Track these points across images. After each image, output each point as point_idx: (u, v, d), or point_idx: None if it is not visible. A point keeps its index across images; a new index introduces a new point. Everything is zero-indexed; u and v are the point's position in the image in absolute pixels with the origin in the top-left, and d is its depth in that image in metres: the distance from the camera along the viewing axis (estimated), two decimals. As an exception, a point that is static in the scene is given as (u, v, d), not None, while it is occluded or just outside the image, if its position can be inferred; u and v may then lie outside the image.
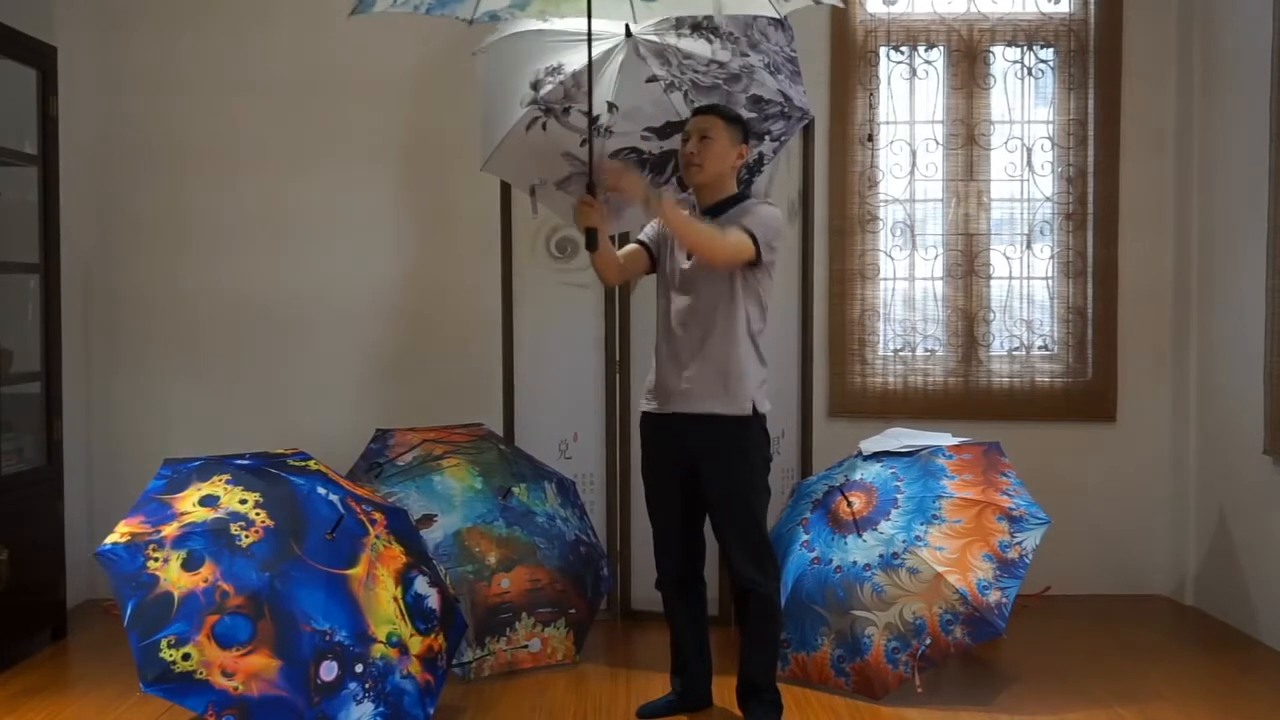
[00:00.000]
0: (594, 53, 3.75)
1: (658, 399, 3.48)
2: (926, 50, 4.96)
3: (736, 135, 3.43)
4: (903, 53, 4.96)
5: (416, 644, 3.34)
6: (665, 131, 3.72)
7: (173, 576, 3.05)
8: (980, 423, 4.77)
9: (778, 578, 3.50)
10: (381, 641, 3.24)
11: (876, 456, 4.11)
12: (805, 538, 3.96)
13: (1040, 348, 5.02)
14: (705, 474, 3.40)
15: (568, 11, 3.49)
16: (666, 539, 3.54)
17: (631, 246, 3.58)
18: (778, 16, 3.36)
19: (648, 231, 3.59)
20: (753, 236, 3.29)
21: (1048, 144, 4.98)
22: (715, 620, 4.06)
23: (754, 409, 3.36)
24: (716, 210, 3.42)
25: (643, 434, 3.56)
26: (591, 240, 3.32)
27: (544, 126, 3.73)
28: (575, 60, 3.68)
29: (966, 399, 4.95)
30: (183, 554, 3.09)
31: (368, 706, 3.17)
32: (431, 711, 3.32)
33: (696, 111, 3.48)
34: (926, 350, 5.01)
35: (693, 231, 3.27)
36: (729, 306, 3.35)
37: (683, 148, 3.45)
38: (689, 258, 3.41)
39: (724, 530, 3.43)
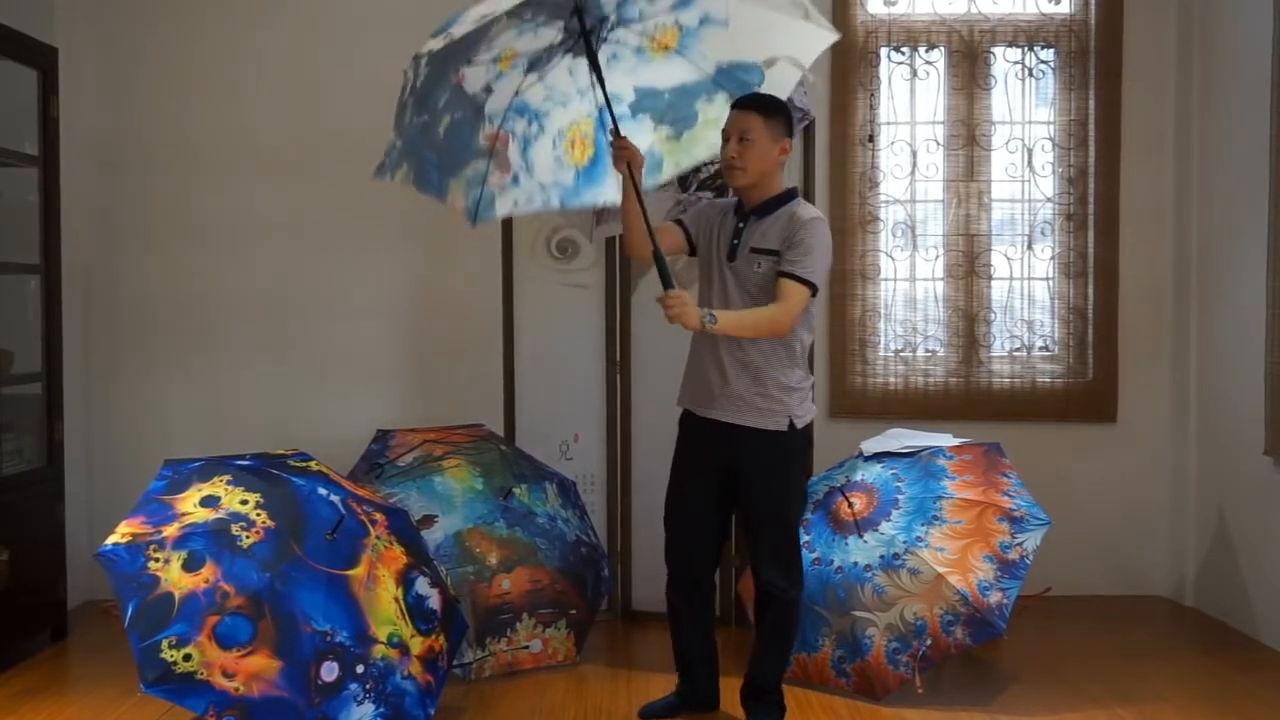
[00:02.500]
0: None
1: (697, 400, 3.39)
2: (927, 51, 4.96)
3: (778, 129, 3.27)
4: (903, 53, 4.96)
5: (417, 645, 3.34)
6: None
7: (173, 577, 3.05)
8: (981, 423, 4.77)
9: (802, 585, 3.44)
10: (382, 642, 3.24)
11: (877, 457, 4.11)
12: (806, 538, 3.95)
13: (1041, 348, 5.02)
14: (743, 480, 3.35)
15: (683, 161, 3.49)
16: (687, 540, 3.45)
17: (669, 225, 3.46)
18: (805, 68, 3.37)
19: (690, 214, 3.48)
20: (807, 283, 3.19)
21: (1048, 145, 4.99)
22: (717, 620, 4.05)
23: (791, 424, 3.29)
24: (763, 210, 3.30)
25: (680, 431, 3.48)
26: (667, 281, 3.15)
27: None
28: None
29: (967, 400, 4.95)
30: (183, 554, 3.09)
31: (368, 707, 3.17)
32: (432, 712, 3.32)
33: (735, 105, 3.30)
34: (927, 351, 5.01)
35: (751, 327, 3.18)
36: None
37: (724, 149, 3.30)
38: (732, 258, 3.30)
39: (756, 535, 3.39)
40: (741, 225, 3.32)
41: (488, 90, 3.35)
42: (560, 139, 3.45)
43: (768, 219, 3.29)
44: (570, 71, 3.43)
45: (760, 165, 3.26)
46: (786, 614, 3.41)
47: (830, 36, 3.30)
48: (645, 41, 3.39)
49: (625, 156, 3.25)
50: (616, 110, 3.36)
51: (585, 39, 3.25)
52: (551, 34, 3.33)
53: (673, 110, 3.48)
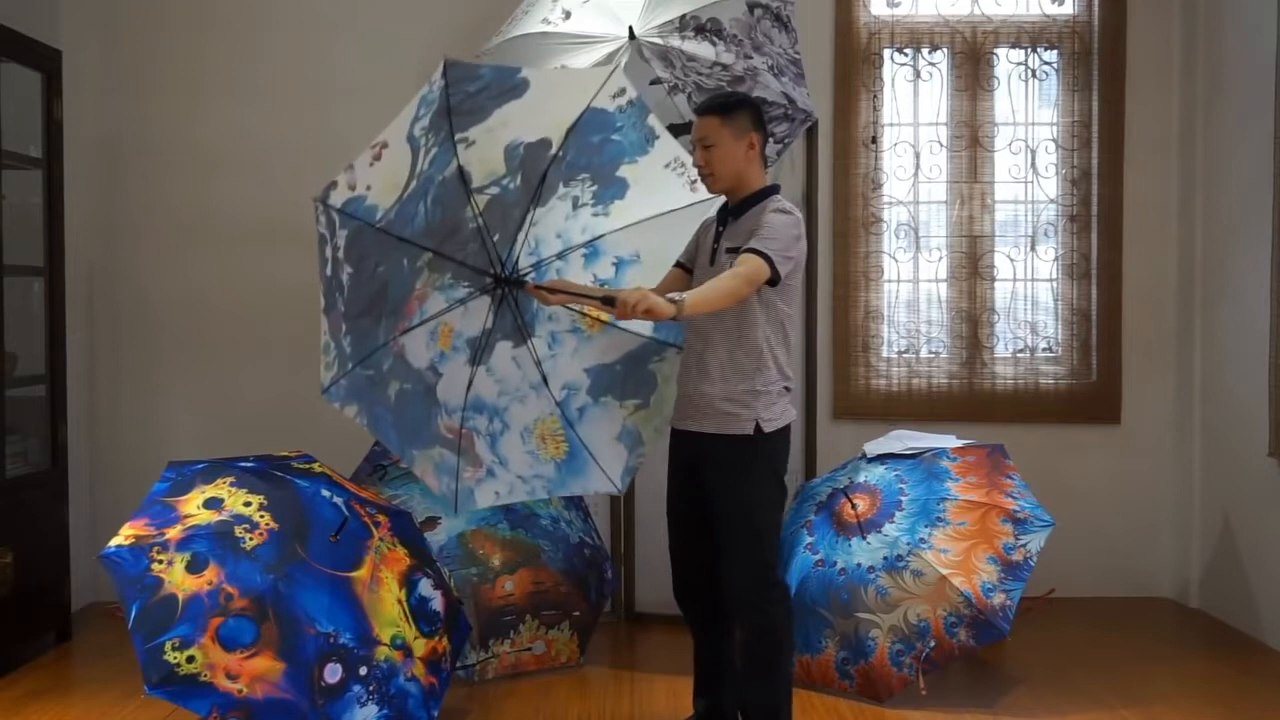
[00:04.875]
0: (597, 55, 3.76)
1: (675, 413, 3.32)
2: (930, 52, 4.96)
3: (741, 125, 3.16)
4: (906, 55, 4.96)
5: (420, 646, 3.34)
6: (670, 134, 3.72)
7: (177, 579, 3.05)
8: (984, 425, 4.76)
9: (778, 606, 3.19)
10: (385, 644, 3.24)
11: (881, 459, 4.11)
12: (809, 540, 3.96)
13: (1044, 350, 5.02)
14: (707, 488, 3.21)
15: (661, 425, 3.51)
16: (677, 550, 3.36)
17: (673, 271, 3.37)
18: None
19: (688, 246, 3.39)
20: (765, 256, 3.02)
21: (1051, 146, 4.98)
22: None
23: (757, 429, 3.13)
24: (739, 210, 3.19)
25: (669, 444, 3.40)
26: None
27: None
28: (578, 63, 3.70)
29: (970, 401, 4.95)
30: (187, 556, 3.09)
31: (372, 709, 3.17)
32: (435, 714, 3.32)
33: (696, 112, 3.25)
34: (930, 352, 5.01)
35: (715, 299, 2.99)
36: (742, 322, 3.13)
37: (694, 158, 3.23)
38: (712, 262, 3.21)
39: (720, 548, 3.20)
40: (721, 229, 3.25)
41: (434, 372, 3.38)
42: (528, 435, 3.50)
43: (743, 218, 3.18)
44: (516, 362, 3.46)
45: (729, 166, 3.17)
46: (765, 640, 3.18)
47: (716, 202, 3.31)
48: (578, 320, 3.45)
49: (551, 300, 3.27)
50: (577, 403, 3.48)
51: (509, 291, 3.35)
52: (482, 313, 3.38)
53: (631, 381, 3.53)
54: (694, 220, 3.32)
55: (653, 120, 3.31)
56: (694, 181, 3.34)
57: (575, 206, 3.37)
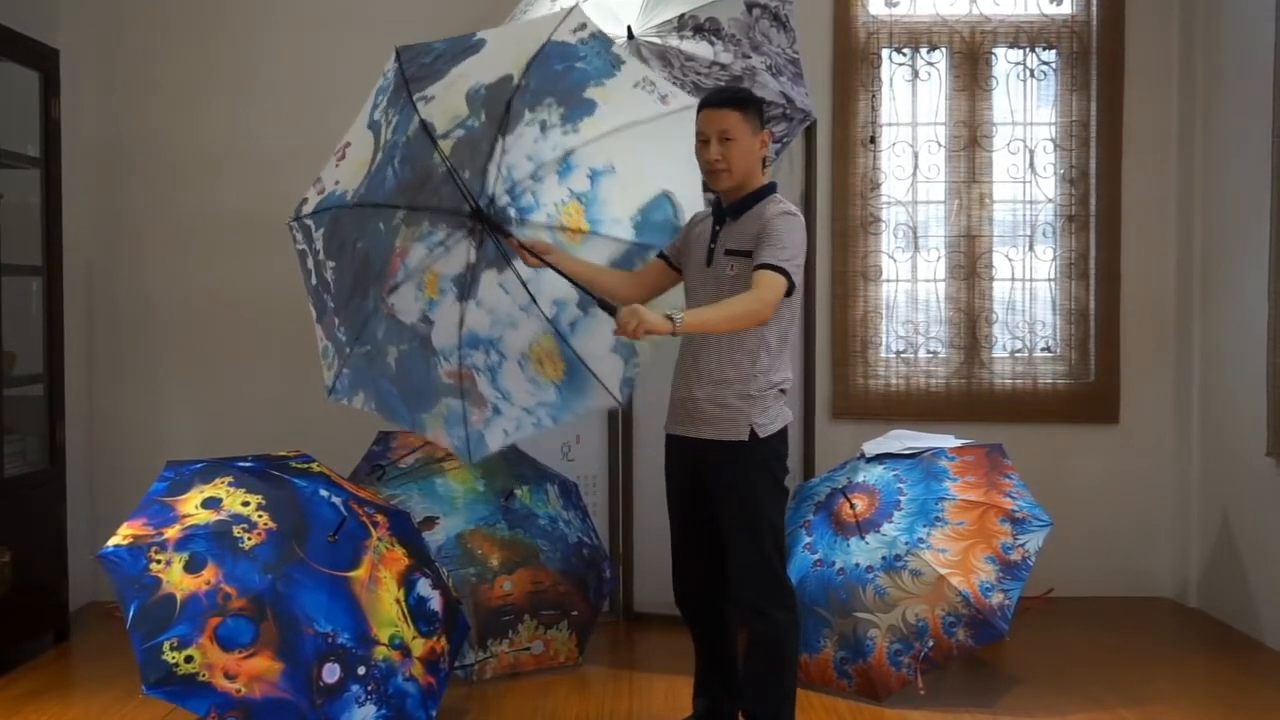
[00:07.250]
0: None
1: (669, 418, 3.27)
2: (929, 52, 4.96)
3: (756, 121, 3.08)
4: (905, 54, 4.96)
5: (419, 646, 3.34)
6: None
7: (175, 579, 3.05)
8: (983, 424, 4.76)
9: (786, 611, 3.14)
10: (384, 644, 3.24)
11: (879, 458, 4.11)
12: (808, 540, 3.96)
13: (1043, 349, 5.02)
14: (709, 496, 3.16)
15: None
16: (679, 556, 3.32)
17: (655, 262, 3.33)
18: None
19: (674, 240, 3.34)
20: (781, 270, 2.96)
21: (1050, 146, 4.98)
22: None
23: (752, 434, 3.08)
24: (739, 209, 3.10)
25: (665, 451, 3.36)
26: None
27: None
28: None
29: (969, 401, 4.95)
30: (185, 556, 3.09)
31: (370, 709, 3.17)
32: (434, 714, 3.32)
33: (704, 105, 3.11)
34: (929, 352, 5.01)
35: (724, 321, 2.95)
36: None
37: (702, 152, 3.10)
38: (709, 263, 3.15)
39: (728, 555, 3.16)
40: (718, 228, 3.16)
41: (427, 322, 3.35)
42: (526, 361, 3.45)
43: (743, 218, 3.10)
44: (503, 288, 3.41)
45: (745, 163, 3.08)
46: (768, 644, 3.13)
47: (692, 103, 3.24)
48: (558, 233, 3.39)
49: (531, 262, 3.23)
50: (568, 317, 3.42)
51: (488, 225, 3.28)
52: (464, 249, 3.34)
53: None
54: (668, 132, 3.23)
55: (618, 49, 3.28)
56: (664, 96, 3.29)
57: (544, 129, 3.31)
